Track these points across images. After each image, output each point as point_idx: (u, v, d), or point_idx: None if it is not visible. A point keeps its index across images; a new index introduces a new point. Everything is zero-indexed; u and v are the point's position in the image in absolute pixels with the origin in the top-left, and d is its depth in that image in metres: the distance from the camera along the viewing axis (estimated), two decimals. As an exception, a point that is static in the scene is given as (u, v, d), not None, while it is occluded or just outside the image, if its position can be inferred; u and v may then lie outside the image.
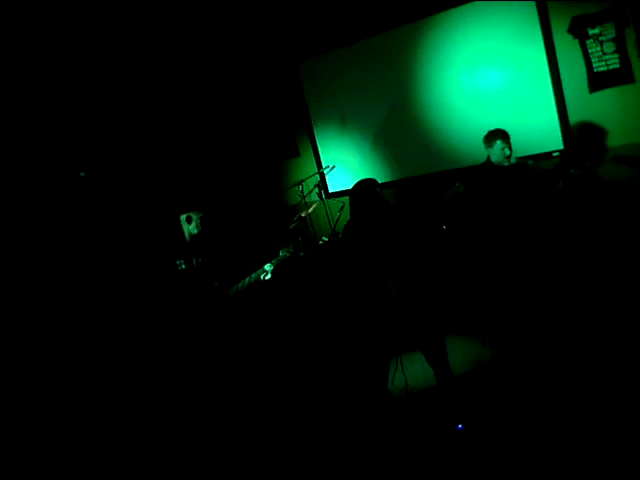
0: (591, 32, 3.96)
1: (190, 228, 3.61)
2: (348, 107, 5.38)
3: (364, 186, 3.31)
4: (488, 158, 3.79)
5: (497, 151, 3.68)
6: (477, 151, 3.90)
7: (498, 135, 3.68)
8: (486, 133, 3.78)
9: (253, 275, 3.56)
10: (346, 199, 4.00)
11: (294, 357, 4.21)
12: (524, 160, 3.89)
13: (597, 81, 4.03)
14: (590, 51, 3.99)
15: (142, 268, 3.65)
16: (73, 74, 5.04)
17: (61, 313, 4.44)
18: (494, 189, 3.72)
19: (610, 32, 3.89)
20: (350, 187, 3.42)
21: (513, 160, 3.69)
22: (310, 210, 4.94)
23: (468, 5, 4.42)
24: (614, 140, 4.04)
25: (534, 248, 3.64)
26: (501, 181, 3.71)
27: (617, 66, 3.93)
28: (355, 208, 3.33)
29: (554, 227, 3.77)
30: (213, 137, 6.19)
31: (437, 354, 3.17)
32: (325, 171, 5.54)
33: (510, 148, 3.66)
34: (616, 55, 3.92)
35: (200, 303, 3.53)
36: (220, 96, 6.03)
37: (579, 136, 4.17)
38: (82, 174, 4.95)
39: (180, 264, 3.59)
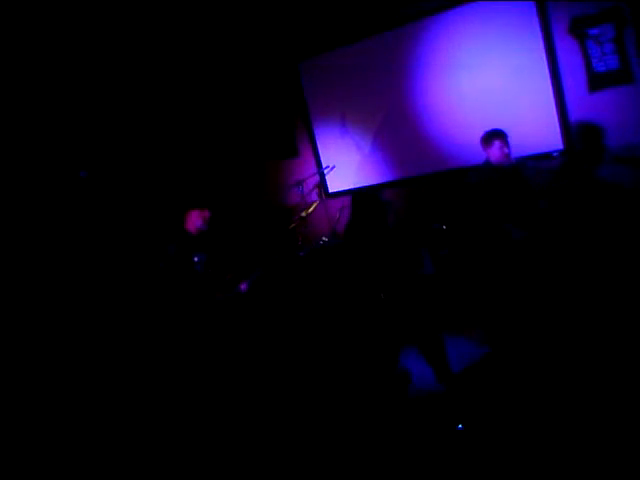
0: (591, 32, 3.96)
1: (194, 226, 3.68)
2: (348, 107, 5.38)
3: (370, 202, 3.35)
4: (487, 159, 3.79)
5: (496, 151, 3.69)
6: (478, 151, 3.91)
7: (496, 135, 3.69)
8: (484, 134, 3.78)
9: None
10: (346, 199, 4.01)
11: (293, 356, 4.21)
12: (524, 160, 3.89)
13: (597, 81, 4.04)
14: (590, 51, 4.00)
15: (157, 263, 3.70)
16: (74, 74, 5.05)
17: (67, 311, 4.46)
18: (495, 188, 3.72)
19: (610, 32, 3.90)
20: (350, 187, 3.44)
21: (512, 159, 3.70)
22: (310, 210, 4.95)
23: (468, 6, 4.43)
24: (614, 140, 4.05)
25: (533, 247, 3.65)
26: (502, 180, 3.72)
27: (617, 66, 3.93)
28: (357, 218, 3.39)
29: (553, 226, 3.77)
30: (213, 137, 6.19)
31: (435, 354, 3.21)
32: (325, 171, 5.54)
33: (508, 147, 3.67)
34: (616, 55, 3.92)
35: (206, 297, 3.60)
36: (220, 95, 6.03)
37: (579, 136, 4.18)
38: (82, 174, 4.95)
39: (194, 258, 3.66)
